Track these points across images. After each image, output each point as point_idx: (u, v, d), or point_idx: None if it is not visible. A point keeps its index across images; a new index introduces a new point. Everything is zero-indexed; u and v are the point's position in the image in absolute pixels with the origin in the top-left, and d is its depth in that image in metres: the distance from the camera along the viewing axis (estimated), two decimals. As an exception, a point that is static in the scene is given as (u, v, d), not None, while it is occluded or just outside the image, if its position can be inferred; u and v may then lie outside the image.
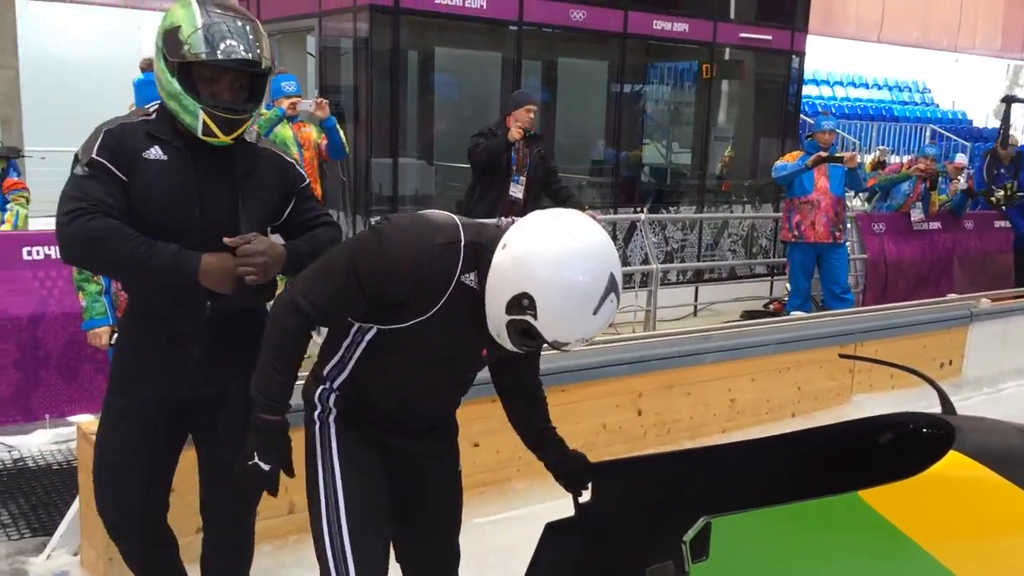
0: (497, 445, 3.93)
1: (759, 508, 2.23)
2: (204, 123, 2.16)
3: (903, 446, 2.79)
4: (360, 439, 2.16)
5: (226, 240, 2.18)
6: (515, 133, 5.77)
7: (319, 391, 2.17)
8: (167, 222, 2.19)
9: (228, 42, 2.12)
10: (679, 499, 2.58)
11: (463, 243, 2.00)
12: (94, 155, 2.15)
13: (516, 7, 6.96)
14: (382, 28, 6.53)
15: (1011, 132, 8.79)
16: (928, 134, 17.03)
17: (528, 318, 1.91)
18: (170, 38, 2.16)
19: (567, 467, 2.47)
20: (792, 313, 6.68)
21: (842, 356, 3.60)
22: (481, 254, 2.00)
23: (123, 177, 2.16)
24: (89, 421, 3.32)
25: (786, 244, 7.32)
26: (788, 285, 8.15)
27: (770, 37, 8.44)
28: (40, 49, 10.28)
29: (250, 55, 2.14)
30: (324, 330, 2.22)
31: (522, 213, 6.33)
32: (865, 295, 7.70)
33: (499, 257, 1.96)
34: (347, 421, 2.15)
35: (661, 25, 7.73)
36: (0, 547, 3.40)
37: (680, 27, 7.82)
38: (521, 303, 1.91)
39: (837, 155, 6.87)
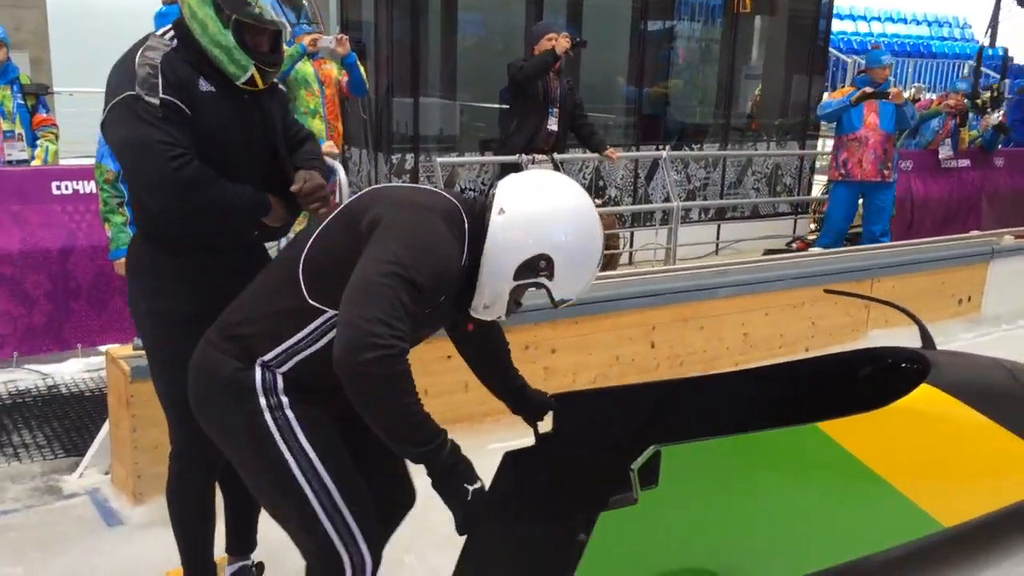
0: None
1: (714, 437, 2.26)
2: (252, 76, 2.23)
3: (882, 379, 2.81)
4: (317, 415, 2.01)
5: (294, 189, 2.25)
6: (563, 43, 5.79)
7: (260, 378, 1.96)
8: (227, 155, 2.21)
9: (302, 9, 2.27)
10: (648, 430, 2.55)
11: (466, 225, 1.97)
12: (162, 94, 2.10)
13: (538, -58, 6.87)
14: (403, -37, 6.49)
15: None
16: (966, 70, 16.59)
17: (543, 279, 1.93)
18: None
19: (530, 405, 2.47)
20: (811, 250, 6.66)
21: (827, 291, 3.70)
22: (478, 230, 1.96)
23: (188, 112, 2.15)
24: (117, 348, 3.47)
25: (831, 182, 7.18)
26: (812, 225, 8.10)
27: (800, -30, 8.25)
28: (68, -10, 10.37)
29: (308, 23, 2.29)
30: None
31: (556, 145, 6.39)
32: (891, 233, 7.64)
33: (501, 223, 1.93)
34: (302, 404, 1.99)
35: (686, -41, 7.59)
36: (36, 466, 3.58)
37: (706, -40, 7.67)
38: (536, 265, 1.91)
39: (883, 91, 6.71)
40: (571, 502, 2.49)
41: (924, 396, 2.53)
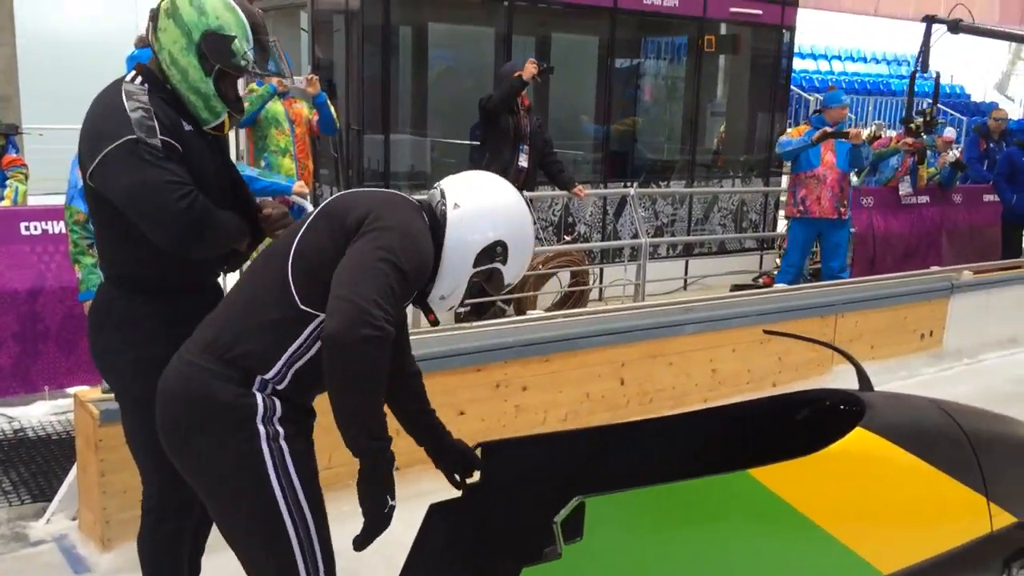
0: (482, 413, 4.06)
1: (641, 487, 2.20)
2: (222, 122, 2.33)
3: (819, 422, 2.78)
4: (307, 446, 2.06)
5: (264, 213, 2.38)
6: (530, 68, 5.91)
7: (261, 404, 1.97)
8: (209, 191, 2.26)
9: (274, 62, 2.45)
10: (576, 479, 2.51)
11: (427, 220, 2.11)
12: (161, 136, 2.16)
13: (507, -17, 7.01)
14: (374, 3, 6.59)
15: (930, 57, 8.67)
16: (925, 108, 17.01)
17: (497, 264, 2.13)
18: (219, 43, 2.24)
19: (448, 453, 2.42)
20: (776, 285, 6.77)
21: (766, 332, 3.67)
22: (435, 225, 2.11)
23: (182, 151, 2.22)
24: (86, 391, 3.45)
25: (788, 220, 7.34)
26: (778, 260, 8.24)
27: (760, 12, 8.47)
28: (37, 27, 10.32)
29: (286, 74, 2.39)
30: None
31: (526, 182, 6.49)
32: (852, 268, 7.79)
33: (458, 215, 2.09)
34: (296, 436, 2.02)
35: (651, 0, 7.77)
36: (2, 512, 3.54)
37: (670, 1, 7.86)
38: (494, 251, 2.11)
39: (842, 131, 6.91)
40: (497, 557, 2.42)
41: (858, 440, 2.50)
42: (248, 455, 1.95)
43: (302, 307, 1.97)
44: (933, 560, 2.62)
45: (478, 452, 2.48)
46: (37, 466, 3.95)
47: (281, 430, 1.98)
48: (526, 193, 6.40)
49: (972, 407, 3.06)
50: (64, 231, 4.39)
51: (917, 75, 8.67)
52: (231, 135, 2.65)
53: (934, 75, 8.62)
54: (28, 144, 8.03)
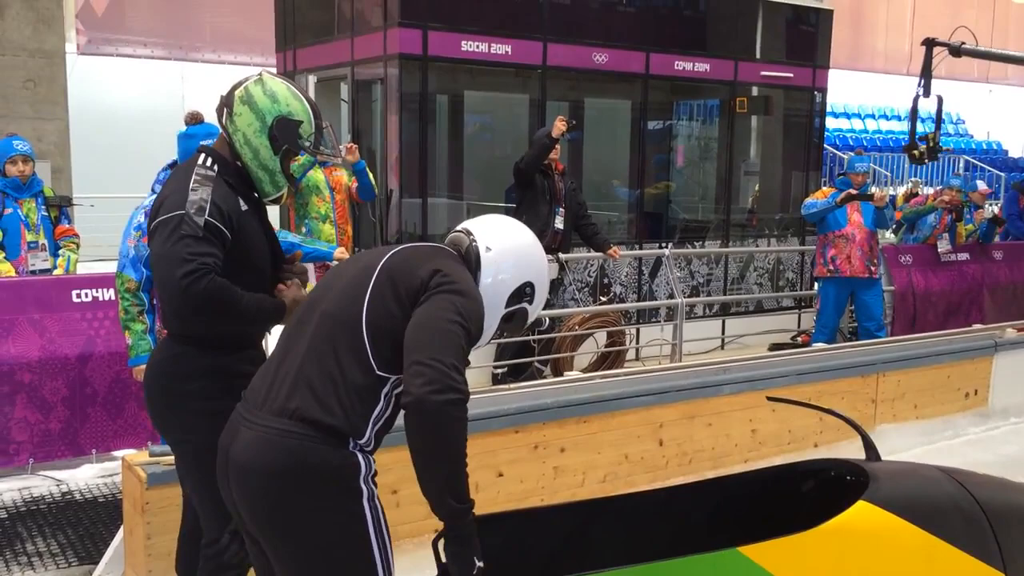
0: (521, 475, 4.07)
1: (626, 567, 2.13)
2: (280, 195, 2.62)
3: (824, 495, 2.66)
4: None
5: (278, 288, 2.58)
6: (559, 126, 6.03)
7: (363, 462, 2.00)
8: (262, 265, 2.54)
9: (329, 145, 2.73)
10: (564, 555, 2.43)
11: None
12: (208, 217, 2.36)
13: (540, 52, 7.18)
14: (412, 75, 6.79)
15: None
16: (962, 165, 16.96)
17: (525, 304, 2.24)
18: (288, 126, 2.53)
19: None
20: (815, 344, 6.73)
21: (769, 399, 3.47)
22: (471, 270, 2.20)
23: (229, 236, 2.43)
24: (133, 454, 3.52)
25: (819, 280, 7.33)
26: (815, 319, 8.19)
27: (791, 75, 8.57)
28: (88, 101, 10.74)
29: (340, 155, 2.80)
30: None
31: (562, 243, 6.61)
32: (893, 327, 7.72)
33: (491, 258, 2.20)
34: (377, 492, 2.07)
35: (682, 65, 7.91)
36: (50, 574, 3.59)
37: (701, 67, 7.99)
38: (523, 292, 2.23)
39: (866, 193, 6.94)
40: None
41: (860, 514, 2.36)
42: (355, 515, 1.98)
43: (378, 372, 2.02)
44: None
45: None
46: (84, 528, 4.01)
47: (375, 488, 2.04)
48: (562, 256, 6.48)
49: (989, 476, 2.88)
50: (114, 297, 4.55)
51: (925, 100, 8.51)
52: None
53: (936, 99, 8.46)
54: (79, 213, 8.32)
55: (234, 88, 2.56)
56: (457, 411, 1.86)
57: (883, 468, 2.63)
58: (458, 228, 2.29)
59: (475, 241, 2.21)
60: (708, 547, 2.24)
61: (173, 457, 3.25)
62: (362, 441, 2.01)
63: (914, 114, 8.59)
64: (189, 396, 2.47)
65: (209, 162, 2.51)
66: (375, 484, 2.04)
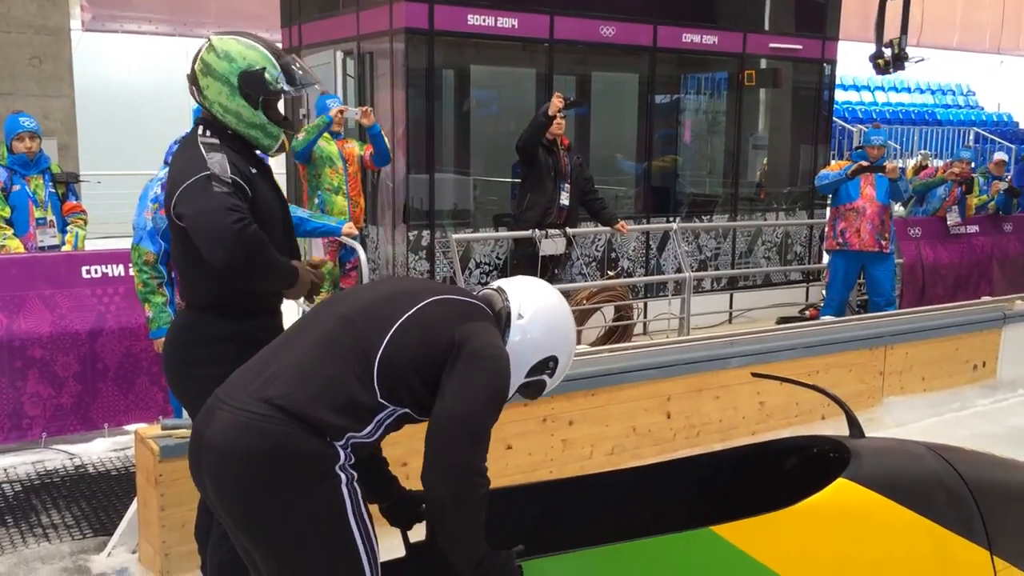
0: (529, 447, 4.09)
1: (594, 547, 2.10)
2: (282, 143, 2.65)
3: (805, 472, 2.61)
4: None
5: (314, 259, 2.66)
6: (556, 103, 6.01)
7: (343, 456, 1.99)
8: (274, 229, 2.58)
9: (300, 75, 2.64)
10: (531, 537, 2.36)
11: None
12: (231, 175, 2.45)
13: (547, 25, 7.13)
14: (418, 49, 6.75)
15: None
16: (972, 137, 16.84)
17: (545, 377, 2.21)
18: (253, 78, 2.56)
19: (401, 505, 2.35)
20: (823, 317, 6.72)
21: (754, 375, 3.42)
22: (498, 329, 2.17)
23: (250, 195, 2.51)
24: (146, 428, 3.55)
25: (829, 253, 7.31)
26: (824, 292, 8.18)
27: (800, 47, 8.49)
28: (93, 78, 10.72)
29: (316, 82, 2.71)
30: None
31: (568, 219, 6.60)
32: (901, 299, 7.70)
33: (521, 326, 2.15)
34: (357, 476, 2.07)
35: (690, 38, 7.84)
36: (65, 546, 3.64)
37: (709, 39, 7.92)
38: (545, 365, 2.19)
39: (878, 165, 6.90)
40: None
41: (840, 491, 2.31)
42: (332, 501, 1.96)
43: (380, 399, 2.01)
44: None
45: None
46: (98, 501, 4.06)
47: (355, 474, 2.02)
48: (569, 230, 6.48)
49: (976, 453, 2.84)
50: (124, 273, 4.57)
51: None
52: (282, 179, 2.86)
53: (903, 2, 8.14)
54: (86, 190, 8.34)
55: (193, 63, 2.61)
56: (481, 503, 1.96)
57: (866, 445, 2.58)
58: (492, 286, 2.25)
59: (508, 303, 2.18)
60: (683, 527, 2.22)
61: (185, 431, 3.31)
62: (339, 443, 1.98)
63: (880, 20, 8.32)
64: (205, 361, 2.54)
65: (209, 133, 2.57)
66: (354, 471, 2.02)
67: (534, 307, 2.18)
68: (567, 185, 6.34)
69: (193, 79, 2.60)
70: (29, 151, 5.27)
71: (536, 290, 2.24)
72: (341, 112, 5.91)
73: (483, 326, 2.10)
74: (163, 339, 3.71)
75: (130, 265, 3.85)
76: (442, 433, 1.95)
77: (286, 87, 2.62)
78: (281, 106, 2.78)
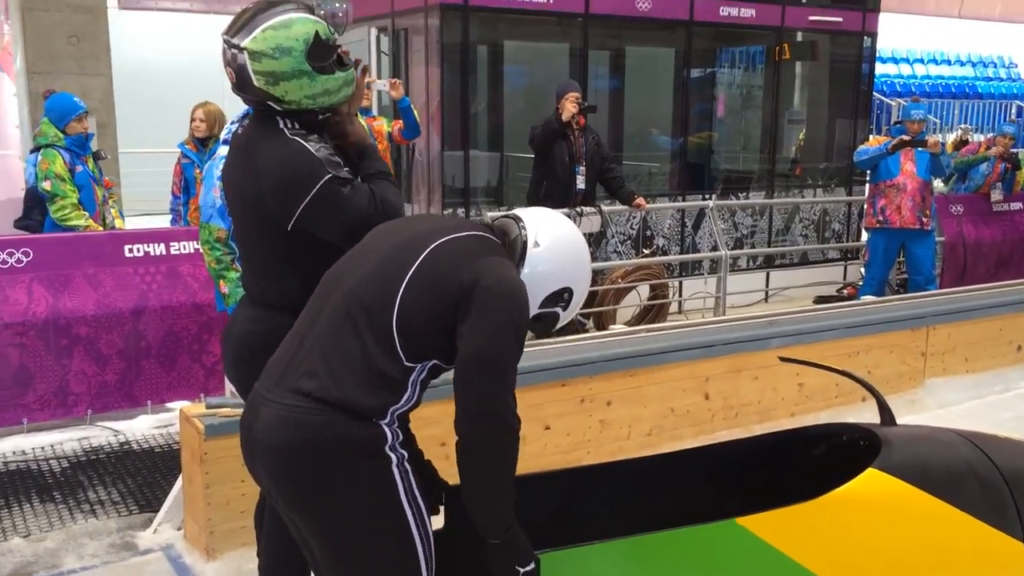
0: (568, 427, 4.10)
1: (619, 538, 2.04)
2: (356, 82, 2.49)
3: (834, 461, 2.55)
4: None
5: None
6: (570, 108, 5.95)
7: (390, 436, 1.97)
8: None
9: (330, 8, 2.46)
10: (549, 527, 2.31)
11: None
12: (335, 157, 2.38)
13: (582, 0, 7.05)
14: (453, 24, 6.71)
15: None
16: (1014, 111, 16.47)
17: (558, 310, 2.14)
18: (318, 49, 2.36)
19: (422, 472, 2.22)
20: (863, 297, 6.63)
21: (782, 359, 3.31)
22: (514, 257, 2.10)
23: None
24: (190, 406, 3.60)
25: (868, 231, 7.20)
26: (862, 271, 8.07)
27: (840, 19, 8.32)
28: (129, 58, 10.79)
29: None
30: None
31: (585, 201, 6.47)
32: (942, 278, 7.58)
33: (537, 255, 2.08)
34: (408, 455, 2.05)
35: (728, 11, 7.72)
36: (112, 522, 3.71)
37: (747, 12, 7.79)
38: (560, 296, 2.12)
39: (919, 139, 6.77)
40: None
41: (869, 482, 2.25)
42: (384, 483, 1.96)
43: (407, 363, 1.98)
44: None
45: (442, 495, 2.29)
46: (143, 478, 4.13)
47: (405, 453, 2.01)
48: (604, 207, 6.43)
49: (1012, 440, 2.73)
50: (164, 252, 4.62)
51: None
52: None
53: None
54: (124, 167, 8.42)
55: (243, 82, 2.37)
56: (513, 445, 1.91)
57: (897, 433, 2.50)
58: (509, 213, 2.19)
59: (525, 231, 2.11)
60: (708, 517, 2.16)
61: (229, 409, 3.34)
62: (384, 421, 1.97)
63: None
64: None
65: (296, 125, 2.41)
66: (404, 450, 2.00)
67: (551, 236, 2.11)
68: (582, 168, 6.25)
69: (261, 97, 2.38)
70: (85, 131, 5.30)
71: (553, 220, 2.17)
72: (369, 84, 5.84)
73: (492, 261, 2.01)
74: None
75: (199, 244, 3.74)
76: (467, 376, 1.92)
77: (338, 26, 2.45)
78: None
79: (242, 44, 2.34)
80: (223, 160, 3.58)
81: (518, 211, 2.21)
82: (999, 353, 5.62)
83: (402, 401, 1.99)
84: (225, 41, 2.39)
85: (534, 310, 2.08)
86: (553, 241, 2.11)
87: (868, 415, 4.05)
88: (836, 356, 4.91)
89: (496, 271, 1.98)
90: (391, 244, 2.08)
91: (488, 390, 1.90)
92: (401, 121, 5.97)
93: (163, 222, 6.27)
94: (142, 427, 4.66)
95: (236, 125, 3.42)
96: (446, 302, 1.96)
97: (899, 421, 2.71)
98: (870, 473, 2.28)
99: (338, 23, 2.46)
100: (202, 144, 5.78)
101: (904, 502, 2.28)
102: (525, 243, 2.09)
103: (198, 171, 5.73)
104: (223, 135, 3.70)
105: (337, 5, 2.49)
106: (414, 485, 2.00)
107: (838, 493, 2.23)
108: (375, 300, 1.99)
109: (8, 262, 4.38)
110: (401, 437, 2.01)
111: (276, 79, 2.35)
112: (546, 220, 2.16)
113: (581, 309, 6.58)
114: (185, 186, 5.82)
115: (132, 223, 6.56)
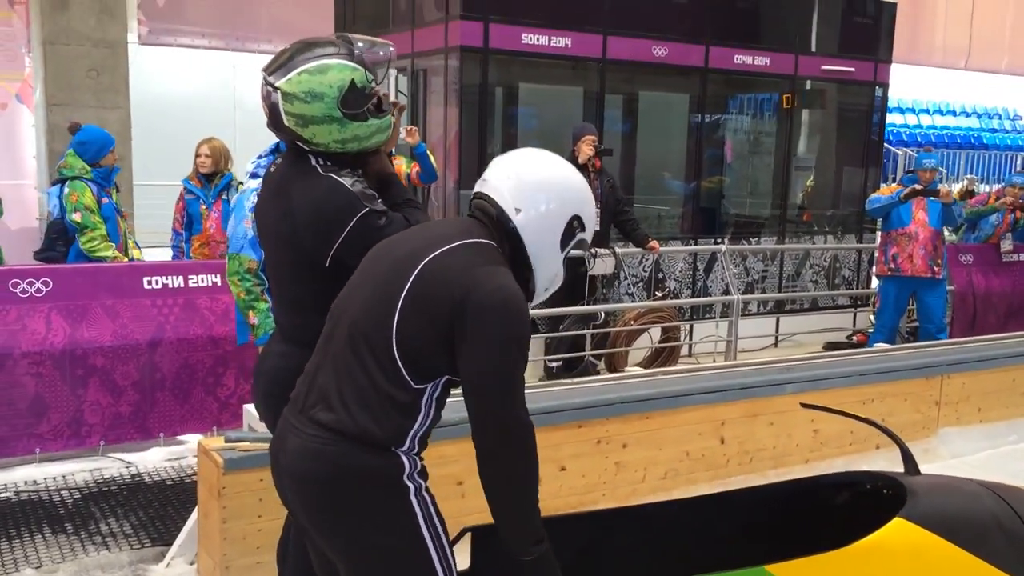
0: (583, 469, 4.07)
1: None
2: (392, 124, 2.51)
3: (859, 509, 2.56)
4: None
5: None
6: (586, 150, 6.01)
7: (408, 465, 1.99)
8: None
9: (371, 53, 2.43)
10: (579, 567, 2.32)
11: (500, 250, 2.09)
12: (379, 199, 2.40)
13: (600, 45, 7.15)
14: (472, 67, 6.80)
15: None
16: (1019, 162, 16.57)
17: (579, 234, 2.15)
18: (352, 98, 2.37)
19: None
20: (875, 345, 6.63)
21: (803, 405, 3.26)
22: (505, 240, 2.09)
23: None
24: (209, 439, 3.57)
25: (879, 279, 7.22)
26: (872, 318, 8.08)
27: (853, 69, 8.43)
28: (146, 91, 10.92)
29: (386, 49, 2.49)
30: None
31: (600, 242, 6.51)
32: (952, 328, 7.58)
33: (524, 219, 2.06)
34: (426, 483, 2.06)
35: (742, 59, 7.82)
36: (124, 555, 3.67)
37: (761, 60, 7.90)
38: (572, 227, 2.13)
39: (932, 189, 6.82)
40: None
41: (897, 531, 2.25)
42: (403, 512, 1.98)
43: (416, 386, 1.98)
44: None
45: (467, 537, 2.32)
46: (155, 511, 4.10)
47: (423, 483, 2.02)
48: (618, 249, 6.46)
49: None
50: (183, 285, 4.63)
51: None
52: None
53: None
54: (139, 199, 8.48)
55: (276, 117, 2.39)
56: (531, 450, 1.92)
57: (921, 483, 2.51)
58: (477, 192, 2.12)
59: (498, 205, 2.07)
60: (734, 564, 2.16)
61: (248, 443, 3.33)
62: (403, 448, 1.99)
63: None
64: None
65: (329, 163, 2.41)
66: (423, 479, 2.02)
67: (523, 192, 2.07)
68: (597, 210, 6.29)
69: (293, 135, 2.40)
70: (113, 163, 5.33)
71: (513, 171, 2.11)
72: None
73: (481, 272, 1.96)
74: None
75: (227, 275, 3.74)
76: (474, 395, 1.93)
77: (378, 76, 2.42)
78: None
79: (277, 84, 2.37)
80: (254, 192, 3.59)
81: (481, 185, 2.14)
82: (1012, 403, 5.60)
83: (418, 423, 2.00)
84: (263, 78, 2.42)
85: (559, 254, 2.11)
86: (528, 196, 2.07)
87: (882, 463, 4.04)
88: (850, 403, 4.88)
89: (485, 283, 1.94)
90: (388, 263, 2.07)
91: (495, 406, 1.92)
92: (418, 165, 6.04)
93: (166, 257, 6.24)
94: (154, 459, 4.64)
95: (266, 159, 3.44)
96: (441, 322, 1.95)
97: (916, 470, 2.70)
98: (897, 523, 2.28)
99: (379, 66, 2.44)
100: (207, 180, 5.82)
101: (931, 553, 2.29)
102: (509, 221, 2.07)
103: (203, 207, 5.78)
104: (251, 167, 3.73)
105: (380, 51, 2.44)
106: (434, 514, 2.01)
107: (866, 542, 2.23)
108: (373, 328, 1.99)
109: (28, 291, 4.40)
110: (419, 466, 2.02)
111: (306, 122, 2.37)
112: (507, 180, 2.09)
113: (593, 350, 6.60)
114: (188, 222, 5.83)
115: (148, 254, 6.58)
